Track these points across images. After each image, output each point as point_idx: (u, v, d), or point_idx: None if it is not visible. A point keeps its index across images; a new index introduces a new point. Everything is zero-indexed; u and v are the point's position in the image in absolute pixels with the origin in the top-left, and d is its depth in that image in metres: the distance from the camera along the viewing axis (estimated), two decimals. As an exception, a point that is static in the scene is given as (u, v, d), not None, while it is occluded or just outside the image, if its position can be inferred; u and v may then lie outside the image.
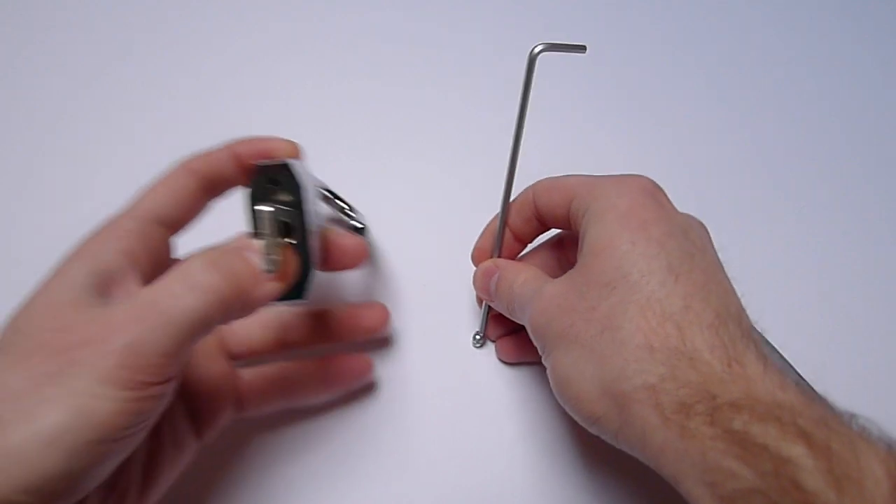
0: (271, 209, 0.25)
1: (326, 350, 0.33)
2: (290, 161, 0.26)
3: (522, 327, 0.29)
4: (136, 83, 0.44)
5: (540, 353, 0.28)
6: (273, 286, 0.25)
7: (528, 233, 0.33)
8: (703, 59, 0.49)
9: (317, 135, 0.31)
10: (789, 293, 0.39)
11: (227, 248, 0.25)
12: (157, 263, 0.26)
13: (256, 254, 0.25)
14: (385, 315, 0.33)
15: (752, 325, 0.24)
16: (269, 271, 0.25)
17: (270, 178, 0.26)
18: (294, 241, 0.26)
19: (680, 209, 0.28)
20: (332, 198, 0.35)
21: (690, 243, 0.25)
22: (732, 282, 0.26)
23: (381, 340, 0.36)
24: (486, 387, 0.35)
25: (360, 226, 0.36)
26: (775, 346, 0.36)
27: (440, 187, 0.41)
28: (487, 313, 0.35)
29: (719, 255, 0.27)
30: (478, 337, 0.35)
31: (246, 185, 0.27)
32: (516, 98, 0.29)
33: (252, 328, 0.32)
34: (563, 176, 0.30)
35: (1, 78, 0.43)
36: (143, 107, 0.43)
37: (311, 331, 0.33)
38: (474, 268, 0.33)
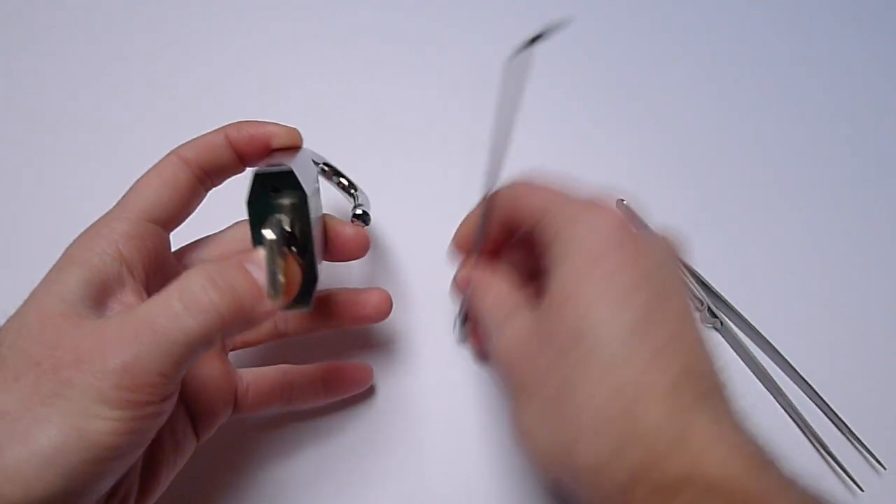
0: (273, 237, 0.23)
1: (326, 336, 0.33)
2: (294, 168, 0.25)
3: None
4: (135, 82, 0.44)
5: (506, 392, 0.27)
6: (276, 302, 0.23)
7: (501, 241, 0.31)
8: (702, 56, 0.48)
9: (317, 132, 0.31)
10: (790, 295, 0.39)
11: (228, 262, 0.23)
12: (155, 264, 0.26)
13: (258, 267, 0.23)
14: (387, 301, 0.31)
15: (716, 378, 0.23)
16: (272, 293, 0.23)
17: (273, 186, 0.25)
18: (296, 249, 0.25)
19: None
20: (333, 174, 0.34)
21: (661, 287, 0.23)
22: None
23: (380, 334, 0.36)
24: (487, 382, 0.35)
25: (360, 212, 0.33)
26: (777, 348, 0.36)
27: (438, 183, 0.41)
28: (463, 309, 0.33)
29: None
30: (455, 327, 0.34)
31: (240, 171, 0.27)
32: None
33: None
34: (530, 186, 0.28)
35: (2, 77, 0.44)
36: (143, 106, 0.43)
37: (310, 318, 0.31)
38: (457, 256, 0.32)
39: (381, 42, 0.46)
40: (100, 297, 0.23)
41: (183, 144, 0.27)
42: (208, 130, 0.28)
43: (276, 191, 0.25)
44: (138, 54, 0.45)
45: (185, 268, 0.28)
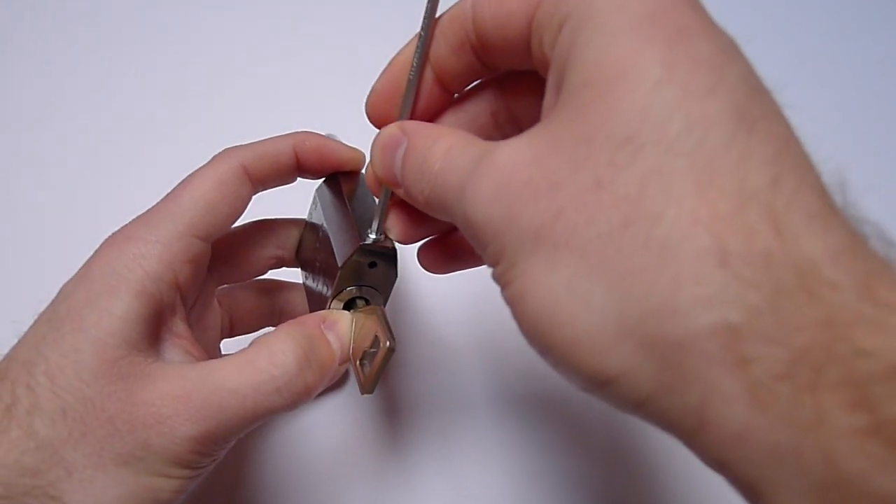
0: (394, 345, 0.23)
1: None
2: (397, 247, 0.24)
3: (449, 226, 0.21)
4: (159, 85, 0.43)
5: (489, 264, 0.17)
6: (344, 367, 0.24)
7: (459, 74, 0.21)
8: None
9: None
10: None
11: (316, 335, 0.23)
12: (199, 284, 0.24)
13: (338, 338, 0.24)
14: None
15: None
16: (369, 391, 0.23)
17: (371, 260, 0.24)
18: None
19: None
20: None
21: (753, 72, 0.15)
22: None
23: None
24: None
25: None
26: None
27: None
28: (386, 204, 0.23)
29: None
30: (370, 237, 0.24)
31: (292, 182, 0.26)
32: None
33: (249, 302, 0.30)
34: None
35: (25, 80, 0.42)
36: (159, 109, 0.42)
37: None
38: (372, 127, 0.22)
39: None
40: (156, 330, 0.22)
41: (247, 149, 0.24)
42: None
43: (372, 265, 0.25)
44: (156, 57, 0.45)
45: (214, 280, 0.27)
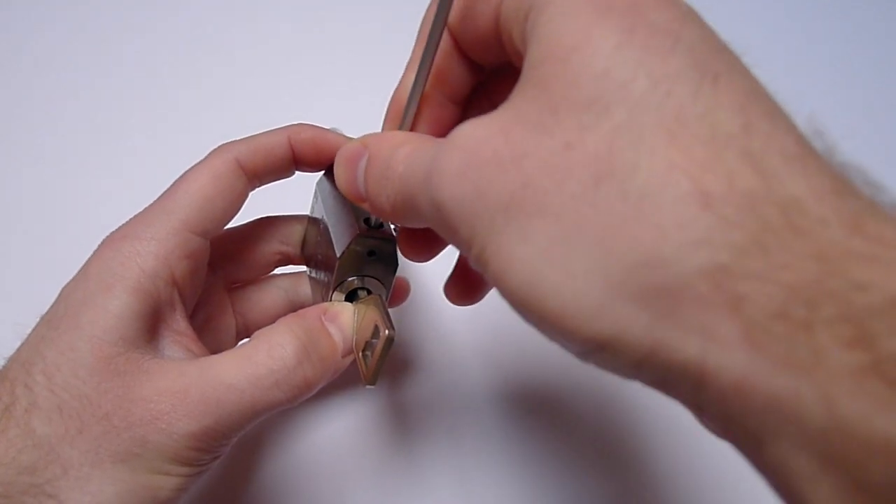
0: (393, 335, 0.22)
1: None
2: (396, 237, 0.24)
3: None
4: (159, 81, 0.43)
5: (463, 250, 0.17)
6: (366, 385, 0.23)
7: (456, 77, 0.21)
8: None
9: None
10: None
11: (316, 327, 0.23)
12: (199, 281, 0.24)
13: (339, 330, 0.24)
14: (405, 287, 0.30)
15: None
16: (371, 383, 0.23)
17: (370, 249, 0.24)
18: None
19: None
20: None
21: (713, 33, 0.15)
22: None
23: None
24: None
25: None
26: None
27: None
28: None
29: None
30: (370, 226, 0.24)
31: (290, 175, 0.26)
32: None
33: (264, 302, 0.29)
34: None
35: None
36: (159, 107, 0.42)
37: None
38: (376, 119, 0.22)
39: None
40: (154, 327, 0.22)
41: (241, 143, 0.24)
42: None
43: (371, 254, 0.24)
44: (157, 53, 0.45)
45: (219, 279, 0.27)
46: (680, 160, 0.13)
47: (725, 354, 0.12)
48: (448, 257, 0.25)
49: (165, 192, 0.23)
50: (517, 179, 0.14)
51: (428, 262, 0.27)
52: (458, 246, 0.17)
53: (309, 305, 0.29)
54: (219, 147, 0.24)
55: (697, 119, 0.13)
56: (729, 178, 0.13)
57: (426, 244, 0.23)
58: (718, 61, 0.14)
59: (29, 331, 0.21)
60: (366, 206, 0.20)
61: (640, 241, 0.13)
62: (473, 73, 0.21)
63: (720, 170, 0.13)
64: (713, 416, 0.13)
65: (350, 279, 0.24)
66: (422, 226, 0.18)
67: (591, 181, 0.14)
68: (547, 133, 0.14)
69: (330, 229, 0.25)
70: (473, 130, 0.16)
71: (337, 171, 0.21)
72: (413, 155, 0.18)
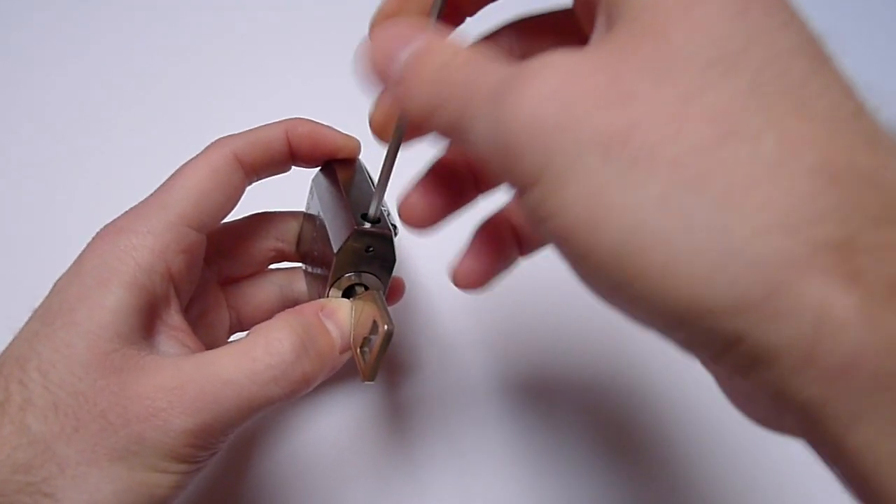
0: (392, 329, 0.22)
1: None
2: (393, 233, 0.24)
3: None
4: (152, 78, 0.43)
5: (520, 185, 0.15)
6: (365, 381, 0.23)
7: None
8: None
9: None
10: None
11: (314, 322, 0.23)
12: (195, 276, 0.24)
13: (337, 326, 0.23)
14: (401, 286, 0.30)
15: None
16: (370, 378, 0.23)
17: (368, 245, 0.24)
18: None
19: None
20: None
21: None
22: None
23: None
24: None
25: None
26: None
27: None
28: (384, 188, 0.23)
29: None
30: (367, 222, 0.23)
31: (287, 170, 0.25)
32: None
33: (258, 297, 0.29)
34: None
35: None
36: (154, 102, 0.42)
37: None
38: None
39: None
40: (149, 322, 0.21)
41: (239, 137, 0.24)
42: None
43: (367, 249, 0.24)
44: (152, 49, 0.44)
45: (214, 273, 0.27)
46: (807, 133, 0.13)
47: (840, 333, 0.12)
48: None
49: (162, 185, 0.23)
50: (621, 119, 0.13)
51: (423, 262, 0.26)
52: (511, 180, 0.15)
53: (304, 301, 0.30)
54: (216, 141, 0.24)
55: (818, 96, 0.13)
56: (852, 155, 0.13)
57: (444, 199, 0.21)
58: (822, 45, 0.14)
59: (20, 325, 0.21)
60: (398, 94, 0.17)
61: (774, 204, 0.12)
62: None
63: (844, 146, 0.13)
64: (796, 400, 0.13)
65: (347, 275, 0.24)
66: (448, 146, 0.17)
67: (715, 137, 0.13)
68: (663, 80, 0.13)
69: (327, 225, 0.25)
70: (569, 58, 0.14)
71: (375, 38, 0.17)
72: (481, 65, 0.16)
